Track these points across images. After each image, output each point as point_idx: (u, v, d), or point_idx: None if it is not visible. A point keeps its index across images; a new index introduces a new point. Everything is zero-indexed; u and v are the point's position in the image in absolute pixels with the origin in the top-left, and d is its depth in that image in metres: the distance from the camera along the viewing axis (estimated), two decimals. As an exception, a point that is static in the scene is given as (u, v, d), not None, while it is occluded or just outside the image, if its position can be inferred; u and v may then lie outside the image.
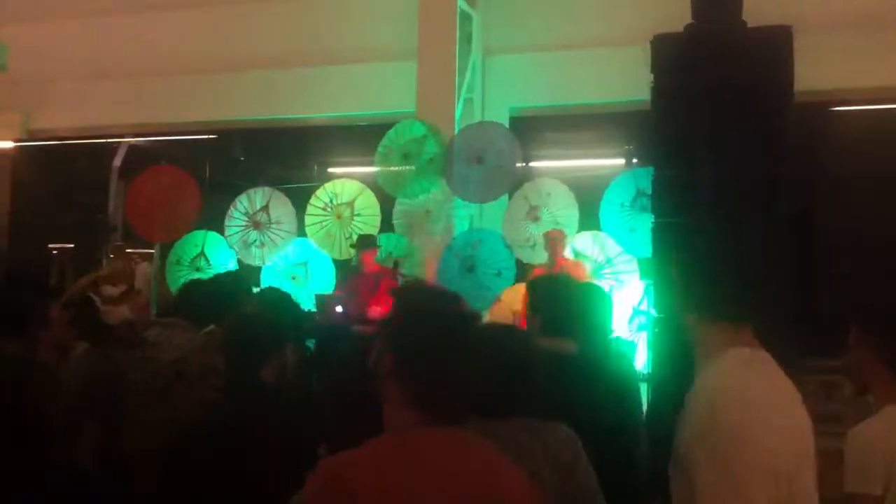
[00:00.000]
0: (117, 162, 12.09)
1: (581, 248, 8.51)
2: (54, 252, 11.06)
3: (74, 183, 12.28)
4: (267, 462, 2.56)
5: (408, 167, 8.63)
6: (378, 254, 8.24)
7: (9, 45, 8.95)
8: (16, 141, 12.13)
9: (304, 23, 10.27)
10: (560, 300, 3.36)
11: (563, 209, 8.54)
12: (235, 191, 9.88)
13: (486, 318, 8.53)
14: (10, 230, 12.06)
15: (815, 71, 6.06)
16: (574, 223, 8.51)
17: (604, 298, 3.53)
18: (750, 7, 5.47)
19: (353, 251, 8.53)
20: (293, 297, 4.93)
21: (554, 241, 7.91)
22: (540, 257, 8.24)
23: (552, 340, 3.21)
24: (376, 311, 7.30)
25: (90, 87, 11.23)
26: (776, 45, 5.29)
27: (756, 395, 1.87)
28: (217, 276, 4.55)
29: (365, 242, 8.14)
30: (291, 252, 9.53)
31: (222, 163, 11.72)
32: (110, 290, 4.86)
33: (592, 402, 3.00)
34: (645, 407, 4.64)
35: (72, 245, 11.35)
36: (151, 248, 11.29)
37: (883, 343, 2.45)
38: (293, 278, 9.37)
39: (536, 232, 8.45)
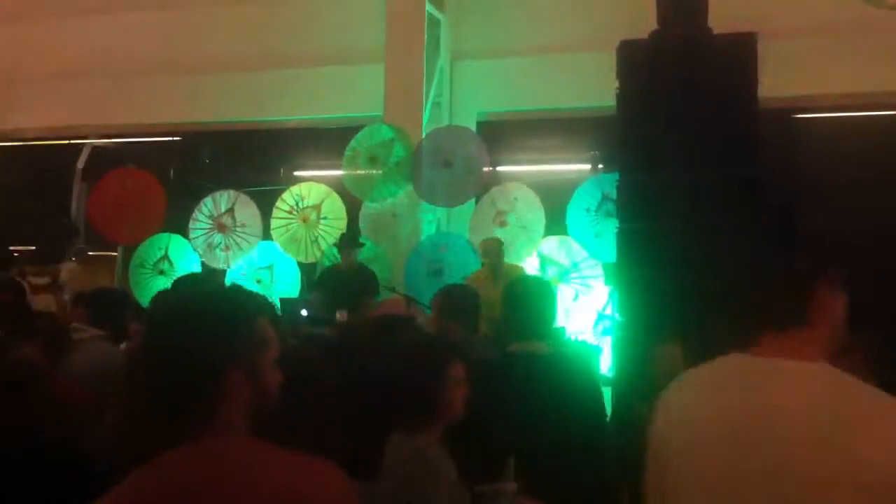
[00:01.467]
0: (80, 164, 11.94)
1: (547, 252, 8.52)
2: (15, 254, 10.89)
3: (37, 184, 12.11)
4: None
5: (375, 171, 8.61)
6: (360, 253, 8.15)
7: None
8: (-24, 141, 11.95)
9: (272, 26, 10.23)
10: (530, 304, 3.37)
11: (529, 214, 8.55)
12: (200, 193, 9.79)
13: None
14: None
15: (780, 78, 6.12)
16: (540, 228, 8.52)
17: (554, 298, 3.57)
18: (715, 14, 5.51)
19: (320, 253, 8.46)
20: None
21: (490, 251, 7.84)
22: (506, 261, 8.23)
23: (525, 344, 3.25)
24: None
25: (54, 87, 11.10)
26: (741, 51, 5.33)
27: (685, 402, 1.83)
28: (178, 283, 4.43)
29: (349, 241, 8.08)
30: (256, 255, 9.47)
31: (187, 165, 11.62)
32: (36, 280, 4.74)
33: (566, 398, 3.04)
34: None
35: (33, 247, 11.19)
36: (114, 251, 11.16)
37: (872, 348, 2.44)
38: (258, 282, 9.30)
39: (503, 236, 8.44)
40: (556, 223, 8.52)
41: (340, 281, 7.75)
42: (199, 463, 1.57)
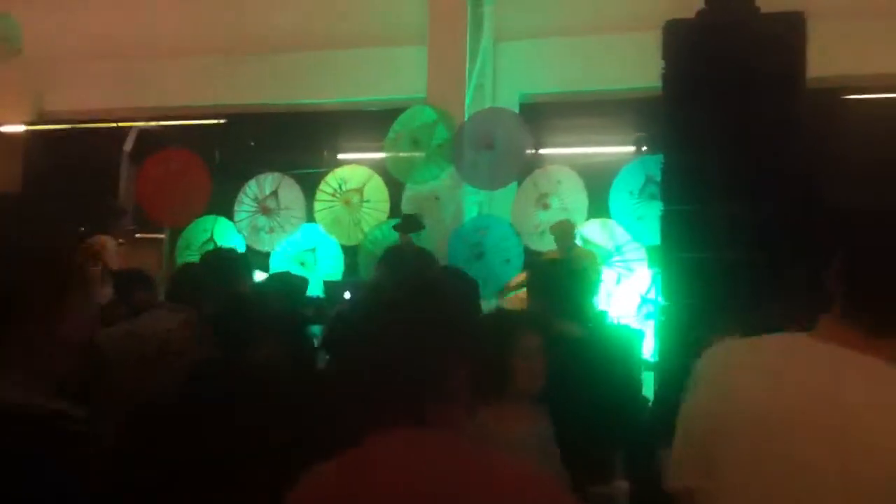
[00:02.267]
0: (128, 146, 12.10)
1: (590, 235, 8.48)
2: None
3: (85, 166, 12.31)
4: (227, 444, 2.42)
5: (417, 153, 8.62)
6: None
7: (21, 25, 8.94)
8: (27, 124, 12.16)
9: (316, 6, 10.24)
10: (560, 285, 3.36)
11: (572, 196, 8.51)
12: (245, 176, 9.90)
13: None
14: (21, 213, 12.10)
15: (829, 58, 6.00)
16: (583, 211, 8.47)
17: (592, 282, 3.54)
18: (763, -8, 5.42)
19: (362, 235, 8.47)
20: (299, 282, 4.93)
21: (562, 233, 7.87)
22: (549, 244, 8.21)
23: (561, 324, 3.25)
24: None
25: (102, 70, 11.23)
26: (789, 31, 5.24)
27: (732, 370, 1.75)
28: (205, 256, 4.48)
29: (409, 223, 8.12)
30: (300, 238, 9.54)
31: (232, 147, 11.72)
32: (94, 272, 4.82)
33: (601, 382, 3.03)
34: (652, 392, 4.66)
35: (82, 229, 11.39)
36: (162, 233, 11.31)
37: None
38: (302, 264, 9.37)
39: (546, 219, 8.42)
40: (599, 206, 8.47)
41: (405, 262, 7.76)
42: (426, 457, 1.45)
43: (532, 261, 8.01)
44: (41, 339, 1.20)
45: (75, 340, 1.24)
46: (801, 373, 1.65)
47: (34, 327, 1.20)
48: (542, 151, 10.00)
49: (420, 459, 1.44)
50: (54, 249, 1.28)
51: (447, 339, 1.51)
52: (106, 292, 4.58)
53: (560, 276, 3.41)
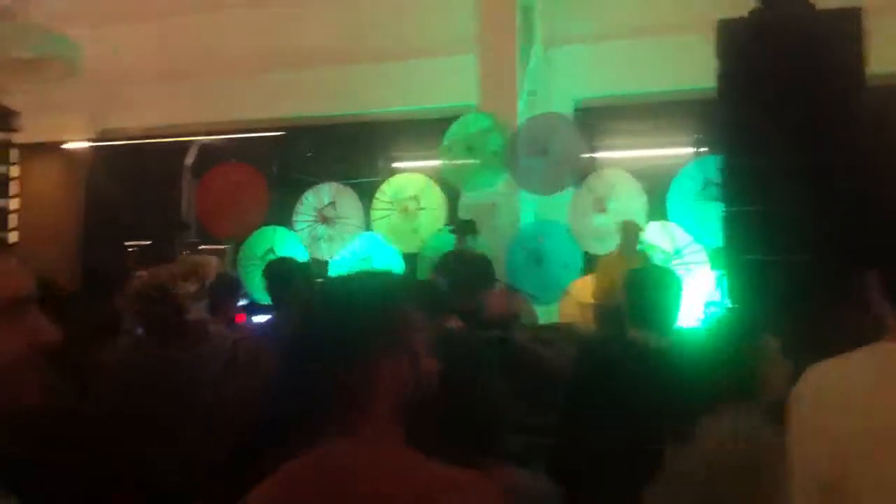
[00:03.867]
0: (189, 160, 12.34)
1: (650, 238, 8.41)
2: (131, 250, 11.34)
3: (147, 182, 12.57)
4: None
5: (472, 160, 8.65)
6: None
7: (81, 45, 9.18)
8: (89, 141, 12.46)
9: (368, 18, 10.34)
10: (650, 293, 3.32)
11: (629, 200, 8.45)
12: (303, 187, 10.04)
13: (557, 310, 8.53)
14: (85, 229, 12.45)
15: (888, 54, 5.88)
16: (641, 214, 8.41)
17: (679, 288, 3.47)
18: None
19: (420, 243, 8.51)
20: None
21: (630, 233, 7.77)
22: (607, 248, 8.14)
23: (644, 333, 3.20)
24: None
25: (161, 87, 11.47)
26: (845, 27, 5.16)
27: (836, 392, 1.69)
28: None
29: (465, 227, 8.18)
30: (359, 246, 9.64)
31: (290, 159, 11.89)
32: (188, 287, 4.88)
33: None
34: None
35: (148, 242, 11.62)
36: (225, 245, 11.49)
37: None
38: (361, 273, 9.43)
39: (603, 223, 8.38)
40: (657, 208, 8.41)
41: (463, 267, 7.77)
42: (352, 462, 1.43)
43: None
44: None
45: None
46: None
47: None
48: (597, 155, 9.96)
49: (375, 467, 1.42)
50: None
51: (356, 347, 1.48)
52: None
53: (655, 282, 3.36)
